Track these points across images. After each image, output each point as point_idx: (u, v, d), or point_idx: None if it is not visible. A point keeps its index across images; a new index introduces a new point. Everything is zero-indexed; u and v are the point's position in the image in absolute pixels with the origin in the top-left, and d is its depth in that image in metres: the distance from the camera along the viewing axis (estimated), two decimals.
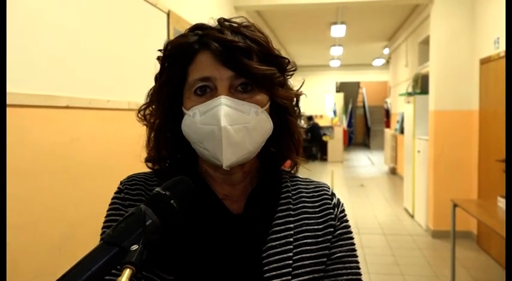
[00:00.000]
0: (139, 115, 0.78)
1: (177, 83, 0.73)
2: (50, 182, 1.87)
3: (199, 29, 0.73)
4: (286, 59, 0.77)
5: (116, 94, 2.43)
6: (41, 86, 1.83)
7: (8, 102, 1.61)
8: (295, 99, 0.80)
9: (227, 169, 0.69)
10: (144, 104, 0.77)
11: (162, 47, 0.76)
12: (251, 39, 0.71)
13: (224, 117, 0.66)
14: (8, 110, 1.62)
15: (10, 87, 1.64)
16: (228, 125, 0.67)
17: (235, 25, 0.73)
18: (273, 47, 0.75)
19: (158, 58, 0.76)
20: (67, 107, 1.98)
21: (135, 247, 0.54)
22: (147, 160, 0.79)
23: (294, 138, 0.79)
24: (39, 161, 1.82)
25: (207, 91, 0.70)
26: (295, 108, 0.80)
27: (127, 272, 0.51)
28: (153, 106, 0.76)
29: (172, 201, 0.60)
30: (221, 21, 0.74)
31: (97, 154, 2.24)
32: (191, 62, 0.72)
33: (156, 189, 0.62)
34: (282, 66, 0.76)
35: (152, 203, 0.59)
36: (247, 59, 0.69)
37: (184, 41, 0.72)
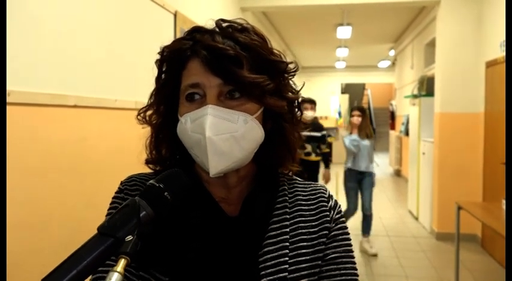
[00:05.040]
0: (140, 117, 0.78)
1: (173, 87, 0.74)
2: (58, 181, 1.89)
3: (195, 32, 0.73)
4: (285, 62, 0.75)
5: (123, 94, 2.45)
6: (49, 85, 1.85)
7: (16, 101, 1.63)
8: (295, 102, 0.78)
9: (216, 176, 0.70)
10: (144, 106, 0.78)
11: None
12: (244, 45, 0.70)
13: (209, 128, 0.67)
14: (17, 108, 1.63)
15: (19, 86, 1.65)
16: (213, 136, 0.67)
17: (233, 27, 0.73)
18: (271, 49, 0.74)
19: (156, 62, 0.77)
20: (75, 106, 2.00)
21: (129, 237, 0.55)
22: (148, 162, 0.80)
23: (289, 146, 0.78)
24: (48, 159, 1.83)
25: (198, 97, 0.70)
26: (296, 111, 0.79)
27: (122, 262, 0.52)
28: (154, 107, 0.77)
29: (165, 193, 0.61)
30: (219, 23, 0.74)
31: (105, 152, 2.26)
32: (184, 67, 0.72)
33: (150, 181, 0.63)
34: (279, 70, 0.74)
35: (146, 195, 0.61)
36: (236, 67, 0.68)
37: (178, 47, 0.73)
